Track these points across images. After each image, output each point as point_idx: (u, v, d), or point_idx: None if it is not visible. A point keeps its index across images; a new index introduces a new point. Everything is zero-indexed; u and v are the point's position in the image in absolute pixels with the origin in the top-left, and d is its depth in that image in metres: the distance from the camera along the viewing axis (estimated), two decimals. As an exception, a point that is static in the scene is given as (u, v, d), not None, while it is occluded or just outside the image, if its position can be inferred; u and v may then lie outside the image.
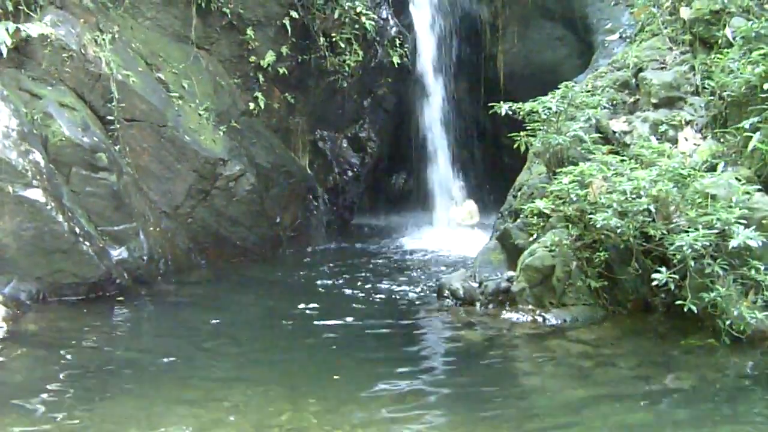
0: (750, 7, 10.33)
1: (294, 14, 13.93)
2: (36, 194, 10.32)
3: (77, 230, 10.67)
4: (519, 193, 10.68)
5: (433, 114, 17.44)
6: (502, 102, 10.24)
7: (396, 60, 15.55)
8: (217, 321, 9.82)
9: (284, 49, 14.08)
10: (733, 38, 10.00)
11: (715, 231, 7.64)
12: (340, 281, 12.06)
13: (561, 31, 18.06)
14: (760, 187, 8.43)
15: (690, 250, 7.55)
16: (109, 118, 12.04)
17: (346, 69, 14.70)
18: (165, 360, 8.10)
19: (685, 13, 11.04)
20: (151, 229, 12.28)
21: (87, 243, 10.77)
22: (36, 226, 10.27)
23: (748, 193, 8.06)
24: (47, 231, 10.34)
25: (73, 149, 11.21)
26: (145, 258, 11.81)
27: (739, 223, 7.62)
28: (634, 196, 8.15)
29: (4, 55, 10.99)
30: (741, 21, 10.04)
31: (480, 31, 18.61)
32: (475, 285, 9.76)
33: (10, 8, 11.26)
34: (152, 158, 12.59)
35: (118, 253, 11.49)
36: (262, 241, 13.99)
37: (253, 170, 13.62)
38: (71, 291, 10.60)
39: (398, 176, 19.90)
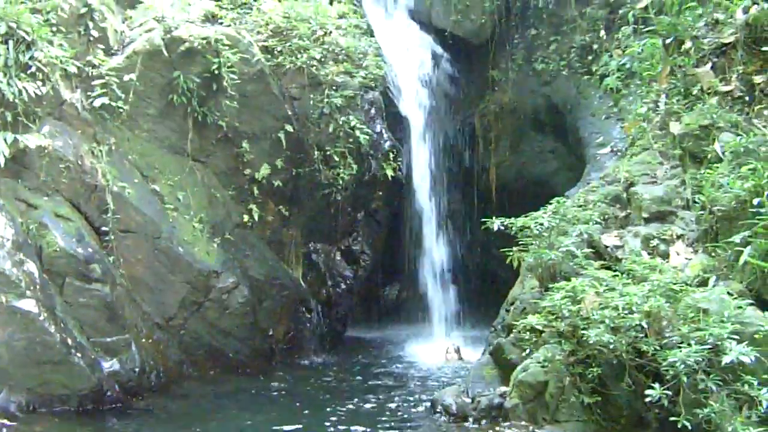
0: (738, 123, 10.46)
1: (289, 128, 14.09)
2: (29, 305, 10.32)
3: (69, 341, 10.64)
4: (512, 308, 10.66)
5: (426, 226, 17.51)
6: (494, 217, 10.31)
7: (389, 173, 15.69)
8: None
9: (279, 162, 14.20)
10: (723, 153, 10.09)
11: (708, 346, 7.61)
12: (332, 396, 11.96)
13: (553, 144, 18.34)
14: (752, 301, 8.41)
15: (683, 366, 7.51)
16: (104, 229, 12.12)
17: (340, 182, 14.80)
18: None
19: (675, 128, 11.18)
20: (144, 340, 12.25)
21: (79, 354, 10.73)
22: (28, 336, 10.26)
23: (740, 307, 8.04)
24: (39, 342, 10.32)
25: (68, 260, 11.26)
26: (136, 370, 11.74)
27: (732, 339, 7.59)
28: (626, 311, 8.14)
29: (2, 165, 11.10)
30: (730, 136, 10.16)
31: (473, 144, 18.86)
32: (468, 400, 9.71)
33: (9, 119, 11.41)
34: (146, 269, 12.62)
35: (109, 364, 11.44)
36: (255, 354, 13.91)
37: (246, 282, 13.64)
38: (62, 403, 10.55)
39: (391, 288, 19.90)
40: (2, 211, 10.73)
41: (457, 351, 14.84)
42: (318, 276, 15.84)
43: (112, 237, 12.15)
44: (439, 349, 15.29)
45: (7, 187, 11.37)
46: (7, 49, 11.34)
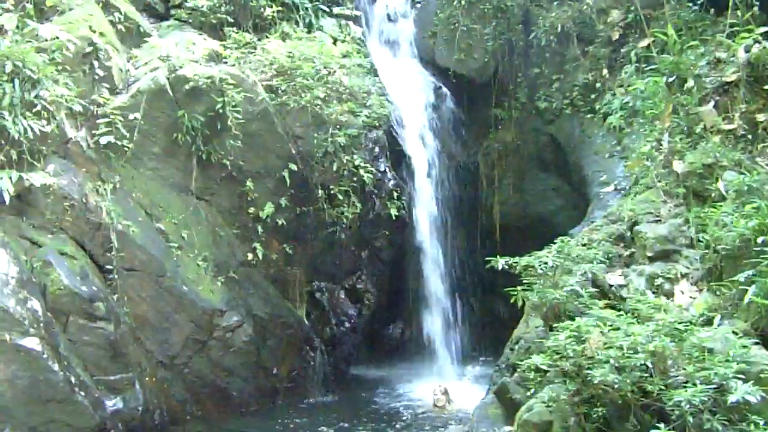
0: (742, 161, 10.48)
1: (293, 166, 14.12)
2: (32, 343, 10.33)
3: (73, 380, 10.63)
4: (516, 347, 10.63)
5: (429, 265, 17.49)
6: (498, 255, 10.30)
7: (393, 212, 15.67)
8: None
9: (283, 201, 14.23)
10: (726, 192, 10.10)
11: (713, 386, 7.57)
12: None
13: (556, 182, 18.35)
14: (757, 340, 8.39)
15: (688, 406, 7.47)
16: (108, 267, 12.15)
17: (344, 221, 14.79)
18: None
19: (678, 166, 11.19)
20: (147, 379, 12.22)
21: (82, 393, 10.72)
22: (31, 375, 10.26)
23: (745, 346, 8.01)
24: (42, 380, 10.31)
25: (72, 298, 11.28)
26: (140, 409, 11.72)
27: (738, 378, 7.56)
28: (631, 351, 8.11)
29: (7, 202, 11.15)
30: (733, 175, 10.16)
31: (477, 182, 18.89)
32: (473, 441, 9.66)
33: (14, 157, 11.47)
34: (150, 308, 12.62)
35: (113, 403, 11.43)
36: (259, 393, 13.87)
37: (250, 321, 13.62)
38: (65, 441, 10.50)
39: (395, 326, 19.82)
40: (6, 249, 10.76)
41: (445, 393, 14.39)
42: (322, 314, 15.82)
43: (116, 275, 12.17)
44: (426, 392, 15.07)
45: (11, 224, 11.42)
46: (13, 87, 11.42)
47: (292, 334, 14.62)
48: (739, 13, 12.82)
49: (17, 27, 12.29)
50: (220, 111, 13.35)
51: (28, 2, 12.74)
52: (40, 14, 12.96)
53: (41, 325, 10.60)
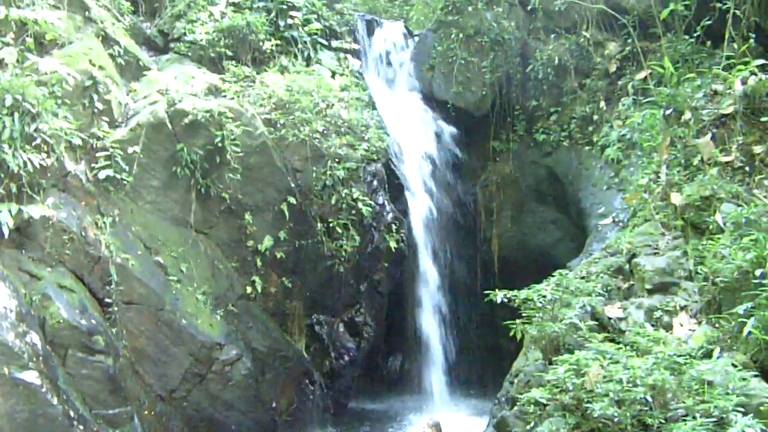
0: (739, 193, 10.51)
1: (292, 200, 14.13)
2: (31, 376, 10.30)
3: (71, 414, 10.59)
4: (516, 380, 10.60)
5: (428, 297, 17.48)
6: (497, 287, 10.31)
7: (392, 245, 15.66)
8: None
9: (282, 234, 14.22)
10: (724, 224, 10.12)
11: (713, 419, 7.56)
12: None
13: (554, 215, 18.39)
14: (756, 373, 8.39)
15: (689, 439, 7.47)
16: (107, 300, 12.14)
17: (343, 254, 14.78)
18: None
19: (676, 199, 11.23)
20: (146, 412, 12.19)
21: (81, 427, 10.69)
22: (30, 408, 10.22)
23: (744, 379, 8.01)
24: (41, 414, 10.27)
25: (71, 331, 11.26)
26: (138, 443, 11.67)
27: (737, 411, 7.55)
28: (630, 384, 8.10)
29: (6, 235, 11.17)
30: (731, 207, 10.20)
31: (475, 214, 18.91)
32: (473, 474, 9.63)
33: (14, 190, 11.48)
34: (149, 341, 12.60)
35: (112, 437, 11.38)
36: (258, 426, 13.81)
37: (249, 354, 13.59)
38: (62, 477, 10.44)
39: (394, 359, 19.77)
40: (5, 282, 10.76)
41: (437, 427, 14.21)
42: (321, 348, 15.76)
43: (115, 308, 12.16)
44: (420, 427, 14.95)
45: (10, 257, 11.42)
46: (13, 120, 11.46)
47: (291, 367, 14.57)
48: (735, 45, 12.94)
49: (17, 60, 12.36)
50: (219, 144, 13.40)
51: (28, 36, 12.80)
52: (40, 48, 13.02)
53: (40, 358, 10.58)
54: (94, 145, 12.87)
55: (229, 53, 15.65)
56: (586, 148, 16.85)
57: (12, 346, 10.25)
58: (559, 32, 17.82)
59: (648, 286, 10.41)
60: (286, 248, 14.40)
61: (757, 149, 10.89)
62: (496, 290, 10.25)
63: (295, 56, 16.45)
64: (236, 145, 13.55)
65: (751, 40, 13.03)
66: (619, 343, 9.25)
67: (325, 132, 14.72)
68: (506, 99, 18.54)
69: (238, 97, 14.42)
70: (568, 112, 17.63)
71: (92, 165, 12.78)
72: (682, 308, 9.99)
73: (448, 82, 18.39)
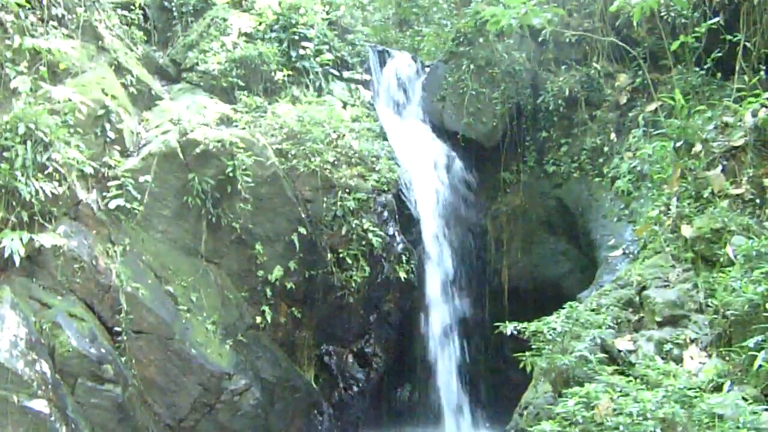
0: (750, 226, 10.51)
1: (302, 230, 14.13)
2: (40, 405, 10.32)
3: (80, 443, 10.58)
4: (525, 412, 10.58)
5: (437, 329, 17.43)
6: (506, 318, 10.31)
7: (402, 275, 15.63)
8: None
9: (292, 264, 14.20)
10: (735, 256, 10.11)
11: (724, 453, 7.55)
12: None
13: (565, 246, 18.35)
14: (767, 406, 8.36)
15: (699, 474, 7.44)
16: (117, 329, 12.15)
17: (353, 284, 14.74)
18: None
19: (686, 231, 11.22)
20: (154, 442, 12.16)
21: (89, 457, 10.66)
22: (39, 438, 10.21)
23: (755, 413, 7.97)
24: (49, 444, 10.27)
25: (80, 360, 11.28)
26: (146, 474, 11.65)
27: (748, 445, 7.53)
28: (640, 418, 8.07)
29: (17, 264, 11.19)
30: (741, 240, 10.19)
31: (485, 245, 18.88)
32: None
33: (25, 218, 11.54)
34: (158, 371, 12.59)
35: (120, 467, 11.36)
36: (267, 457, 13.78)
37: (258, 384, 13.56)
38: (70, 507, 10.43)
39: (403, 389, 19.70)
40: (16, 310, 10.79)
41: None
42: (330, 378, 15.72)
43: (125, 337, 12.16)
44: None
45: (21, 286, 11.46)
46: (25, 149, 11.53)
47: (300, 397, 14.54)
48: (745, 77, 12.98)
49: (31, 89, 12.45)
50: (230, 174, 13.43)
51: (41, 65, 12.90)
52: (53, 77, 13.11)
53: (49, 387, 10.59)
54: (106, 174, 12.93)
55: (241, 83, 15.75)
56: (597, 179, 16.83)
57: (21, 374, 10.27)
58: (570, 64, 17.87)
59: (658, 319, 10.39)
60: (296, 278, 14.38)
61: (768, 182, 10.91)
62: (506, 321, 10.25)
63: (307, 87, 16.53)
64: (247, 175, 13.58)
65: (762, 73, 13.07)
66: (629, 375, 9.23)
67: (335, 162, 14.76)
68: (517, 130, 18.55)
69: (250, 127, 14.47)
70: (578, 144, 17.63)
71: (104, 194, 12.82)
72: (693, 341, 9.97)
73: (459, 113, 18.41)
